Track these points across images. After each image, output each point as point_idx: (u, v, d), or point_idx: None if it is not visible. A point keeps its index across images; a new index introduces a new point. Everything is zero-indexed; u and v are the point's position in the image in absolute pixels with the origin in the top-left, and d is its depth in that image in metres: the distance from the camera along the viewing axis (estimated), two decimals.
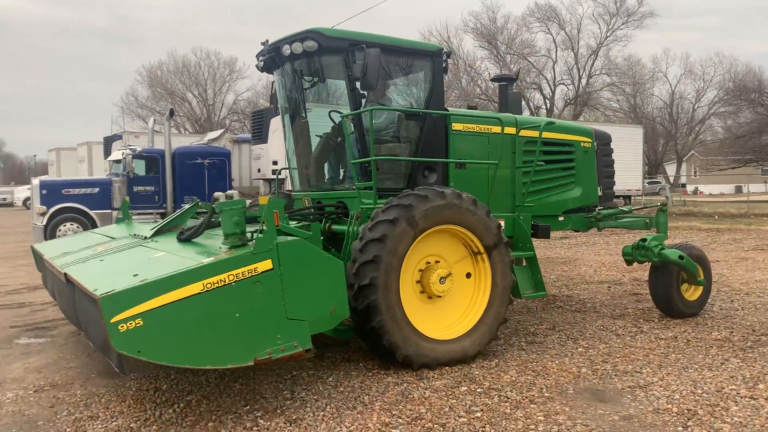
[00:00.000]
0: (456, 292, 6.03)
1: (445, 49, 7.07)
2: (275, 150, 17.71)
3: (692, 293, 7.73)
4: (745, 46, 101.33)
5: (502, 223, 6.74)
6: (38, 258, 7.32)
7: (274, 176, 7.85)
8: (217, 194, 5.26)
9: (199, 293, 4.17)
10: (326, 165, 7.37)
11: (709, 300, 8.75)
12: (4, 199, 59.28)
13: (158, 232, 6.32)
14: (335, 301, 4.85)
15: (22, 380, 5.65)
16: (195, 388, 5.27)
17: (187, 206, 6.85)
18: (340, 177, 7.17)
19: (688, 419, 4.51)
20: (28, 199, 41.15)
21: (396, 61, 6.96)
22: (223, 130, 24.87)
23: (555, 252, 15.33)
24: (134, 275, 4.36)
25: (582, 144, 8.27)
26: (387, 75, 7.01)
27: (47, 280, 7.14)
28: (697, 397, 4.95)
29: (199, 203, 6.92)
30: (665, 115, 61.61)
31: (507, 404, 4.83)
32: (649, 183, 51.01)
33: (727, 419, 4.51)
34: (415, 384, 5.30)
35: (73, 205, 15.95)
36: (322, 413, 4.67)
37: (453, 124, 6.95)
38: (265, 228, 4.51)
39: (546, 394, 5.05)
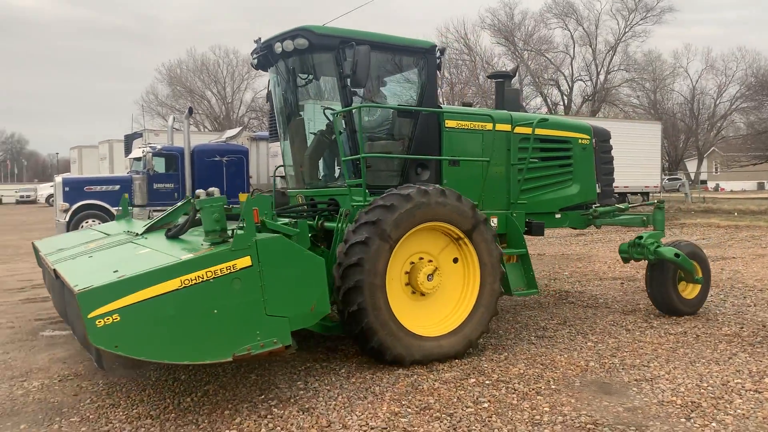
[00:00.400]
0: (447, 284, 6.04)
1: (438, 46, 7.09)
2: None
3: (690, 291, 7.68)
4: None
5: (494, 221, 6.88)
6: (38, 253, 7.41)
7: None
8: (198, 191, 5.36)
9: (177, 289, 4.21)
10: (320, 162, 7.41)
11: (722, 296, 8.80)
12: (28, 196, 60.29)
13: (150, 229, 6.35)
14: (315, 298, 4.86)
15: (47, 370, 5.87)
16: (212, 378, 5.45)
17: (180, 203, 6.90)
18: (333, 174, 7.21)
19: (692, 411, 4.60)
20: (51, 196, 41.87)
21: (389, 58, 6.98)
22: (241, 128, 25.12)
23: (570, 249, 15.35)
24: (114, 271, 4.43)
25: (580, 141, 8.25)
26: (379, 72, 7.04)
27: (45, 275, 7.24)
28: (702, 390, 5.03)
29: (192, 200, 6.98)
30: (686, 111, 60.91)
31: (514, 395, 4.95)
32: (669, 180, 50.56)
33: (730, 411, 4.59)
34: (425, 376, 5.44)
35: (95, 202, 16.29)
36: (334, 402, 4.83)
37: (446, 121, 6.96)
38: (244, 225, 4.58)
39: (553, 387, 5.16)
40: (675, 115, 59.76)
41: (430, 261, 5.95)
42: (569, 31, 51.16)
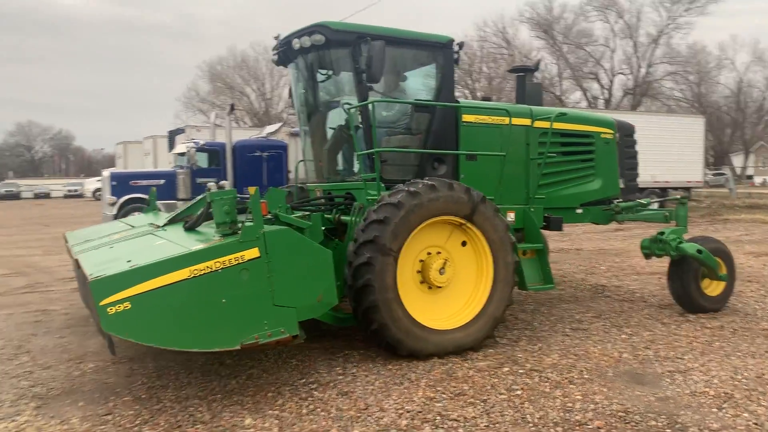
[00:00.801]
0: (460, 270, 6.05)
1: (456, 41, 7.04)
2: None
3: (714, 288, 7.55)
4: None
5: (511, 216, 6.97)
6: (67, 244, 7.59)
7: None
8: (210, 184, 5.54)
9: (186, 279, 4.34)
10: (338, 157, 7.47)
11: (762, 292, 8.71)
12: (75, 190, 62.15)
13: (171, 222, 6.48)
14: (322, 289, 4.95)
15: (100, 353, 6.19)
16: (255, 362, 5.70)
17: (198, 197, 7.03)
18: (350, 169, 7.26)
19: (724, 402, 4.66)
20: (97, 190, 43.18)
21: (406, 53, 7.01)
22: (280, 124, 25.50)
23: (609, 244, 15.26)
24: (128, 261, 4.59)
25: (602, 135, 8.16)
26: (397, 67, 7.09)
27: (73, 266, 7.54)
28: (736, 382, 5.07)
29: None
30: (732, 104, 59.36)
31: (547, 384, 5.07)
32: (713, 175, 49.37)
33: (763, 403, 4.63)
34: (459, 364, 5.60)
35: (140, 195, 16.82)
36: (371, 387, 5.03)
37: (463, 115, 6.96)
38: (251, 217, 4.72)
39: (585, 376, 5.26)
40: (720, 108, 58.33)
41: (439, 252, 5.97)
42: (610, 23, 50.38)
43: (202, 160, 17.36)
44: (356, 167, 7.02)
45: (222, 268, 4.46)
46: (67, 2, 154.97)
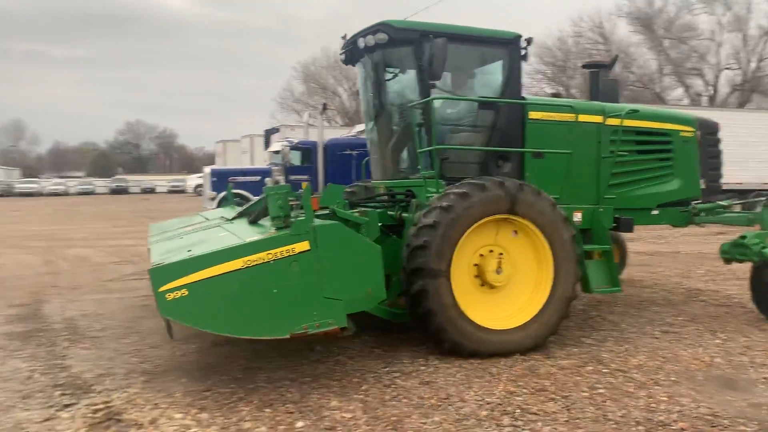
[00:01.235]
0: (519, 263, 5.97)
1: (524, 37, 6.93)
2: None
3: None
4: None
5: (577, 216, 6.83)
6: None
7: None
8: (267, 180, 5.70)
9: (240, 269, 4.54)
10: (402, 154, 7.48)
11: None
12: (178, 186, 65.69)
13: (241, 215, 6.69)
14: (372, 284, 5.01)
15: (202, 336, 6.60)
16: (342, 350, 5.96)
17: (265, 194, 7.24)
18: (413, 166, 7.15)
19: None
20: (198, 186, 45.46)
21: (471, 50, 6.96)
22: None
23: (709, 247, 14.55)
24: (188, 251, 4.90)
25: (681, 133, 7.82)
26: (462, 64, 7.04)
27: None
28: None
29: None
30: None
31: (631, 384, 5.02)
32: None
33: None
34: (542, 361, 5.62)
35: (238, 191, 17.69)
36: (452, 379, 5.15)
37: (530, 112, 6.85)
38: (302, 212, 4.88)
39: (673, 378, 5.15)
40: None
41: (491, 251, 5.90)
42: (716, 16, 47.61)
43: (296, 158, 18.03)
44: (413, 163, 7.02)
45: (274, 259, 4.63)
46: (175, 8, 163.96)
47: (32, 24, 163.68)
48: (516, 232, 5.99)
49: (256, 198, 7.20)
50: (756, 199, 7.77)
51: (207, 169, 18.85)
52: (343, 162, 17.97)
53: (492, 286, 5.88)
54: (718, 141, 8.55)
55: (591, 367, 5.45)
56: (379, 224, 6.24)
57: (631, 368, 5.42)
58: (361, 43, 6.82)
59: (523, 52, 6.96)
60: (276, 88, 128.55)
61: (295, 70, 71.21)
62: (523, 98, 7.03)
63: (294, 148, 17.96)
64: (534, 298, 5.96)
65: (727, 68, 48.57)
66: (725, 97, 48.18)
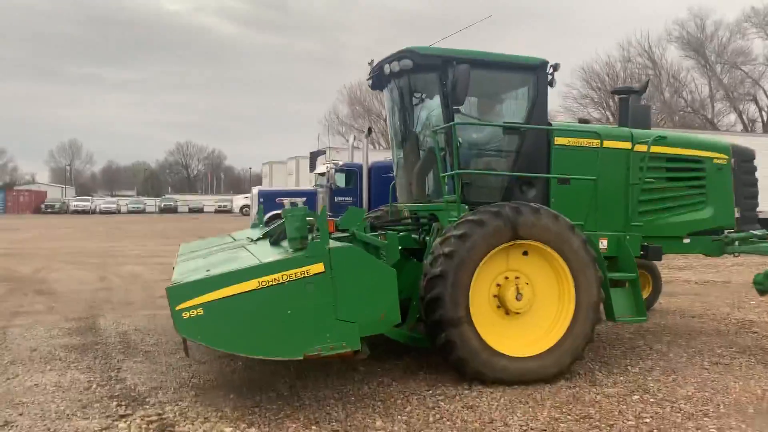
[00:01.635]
0: (537, 283, 5.93)
1: (550, 63, 6.94)
2: None
3: None
4: None
5: (603, 243, 6.77)
6: None
7: None
8: (285, 201, 5.76)
9: (255, 289, 4.59)
10: (427, 178, 7.41)
11: None
12: (225, 206, 67.07)
13: (265, 236, 6.71)
14: (386, 308, 5.00)
15: None
16: (386, 372, 6.03)
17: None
18: (436, 190, 7.15)
19: None
20: (245, 206, 46.36)
21: (497, 76, 7.02)
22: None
23: None
24: (207, 270, 4.96)
25: (714, 160, 7.69)
26: (487, 89, 7.07)
27: None
28: None
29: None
30: None
31: (679, 415, 4.95)
32: None
33: None
34: (587, 389, 5.58)
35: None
36: (496, 404, 5.17)
37: (556, 138, 6.84)
38: (318, 234, 4.94)
39: (722, 410, 5.06)
40: None
41: (506, 278, 5.88)
42: None
43: (341, 180, 18.28)
44: (441, 188, 6.95)
45: (288, 280, 4.67)
46: (224, 33, 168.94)
47: (88, 49, 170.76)
48: (526, 252, 5.95)
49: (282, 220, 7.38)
50: None
51: (255, 190, 19.30)
52: (386, 184, 18.03)
53: (516, 313, 5.86)
54: (754, 169, 8.35)
55: (637, 396, 5.39)
56: (400, 247, 6.36)
57: (678, 399, 5.34)
58: (386, 69, 6.94)
59: (549, 77, 6.97)
60: (322, 111, 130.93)
61: (341, 93, 72.38)
62: (549, 124, 7.03)
63: (339, 170, 18.23)
64: (559, 318, 5.91)
65: None
66: None
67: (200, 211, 70.99)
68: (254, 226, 8.95)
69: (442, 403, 5.16)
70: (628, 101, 8.13)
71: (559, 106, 52.75)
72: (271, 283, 4.64)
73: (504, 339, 5.79)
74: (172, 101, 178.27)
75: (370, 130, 19.57)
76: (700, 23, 47.76)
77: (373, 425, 4.69)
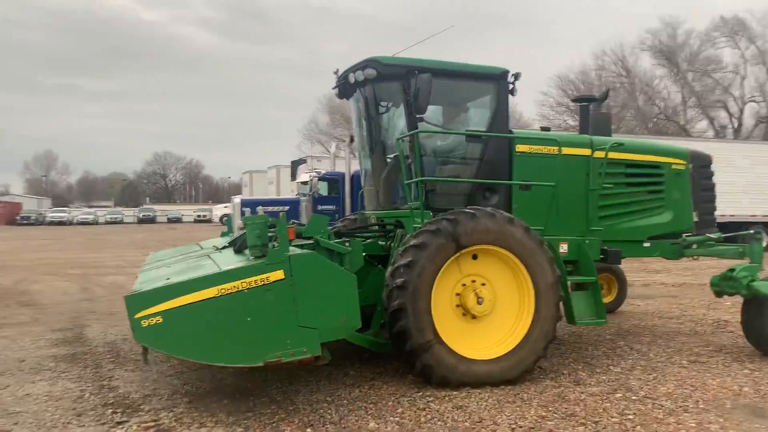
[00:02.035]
0: (500, 290, 6.03)
1: (511, 72, 7.06)
2: None
3: None
4: None
5: (564, 247, 6.93)
6: None
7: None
8: (246, 210, 5.80)
9: (214, 297, 4.63)
10: (392, 185, 7.46)
11: None
12: (204, 215, 66.63)
13: (231, 244, 6.66)
14: (346, 313, 5.05)
15: None
16: (376, 375, 6.16)
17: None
18: (401, 197, 7.22)
19: None
20: (224, 215, 46.09)
21: (459, 85, 7.13)
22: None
23: None
24: (167, 279, 4.99)
25: (673, 166, 7.89)
26: (450, 99, 7.22)
27: None
28: None
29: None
30: None
31: (660, 411, 5.14)
32: None
33: None
34: (571, 388, 5.76)
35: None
36: (485, 403, 5.32)
37: (517, 146, 6.97)
38: (278, 241, 5.00)
39: (701, 406, 5.26)
40: None
41: (464, 285, 5.96)
42: (740, 49, 47.71)
43: (323, 189, 18.38)
44: (405, 196, 6.99)
45: (248, 288, 4.71)
46: (202, 42, 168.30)
47: (64, 58, 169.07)
48: (476, 255, 6.01)
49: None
50: (746, 232, 7.61)
51: (237, 199, 19.30)
52: None
53: (482, 316, 5.96)
54: (711, 174, 8.55)
55: (620, 394, 5.57)
56: (366, 254, 6.47)
57: (659, 396, 5.53)
58: (351, 78, 7.01)
59: (510, 86, 7.09)
60: (301, 119, 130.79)
61: (320, 102, 72.36)
62: (511, 132, 7.15)
63: (322, 179, 18.34)
64: (522, 312, 6.01)
65: (751, 101, 48.50)
66: (751, 130, 47.95)
67: (179, 221, 70.40)
68: (224, 234, 8.94)
69: (433, 404, 5.29)
70: (588, 109, 8.30)
71: (536, 114, 53.50)
72: (230, 291, 4.69)
73: (475, 343, 5.92)
74: (150, 111, 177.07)
75: (352, 138, 19.57)
76: (672, 32, 48.85)
77: (366, 426, 4.81)
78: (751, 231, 7.50)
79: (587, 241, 7.14)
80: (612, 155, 7.32)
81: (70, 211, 70.72)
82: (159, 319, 4.54)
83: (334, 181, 18.39)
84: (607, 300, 9.72)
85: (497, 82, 7.06)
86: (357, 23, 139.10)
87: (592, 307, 6.72)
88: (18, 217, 64.11)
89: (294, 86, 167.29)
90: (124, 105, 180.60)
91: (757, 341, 7.02)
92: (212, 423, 4.89)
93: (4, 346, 7.71)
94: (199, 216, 68.60)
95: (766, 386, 5.84)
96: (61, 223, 62.73)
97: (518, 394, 5.58)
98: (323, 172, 18.77)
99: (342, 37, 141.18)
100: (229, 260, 5.59)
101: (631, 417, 4.99)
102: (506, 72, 7.07)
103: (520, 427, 4.78)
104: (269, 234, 5.50)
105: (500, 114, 7.07)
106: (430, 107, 6.60)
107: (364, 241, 7.07)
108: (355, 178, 18.18)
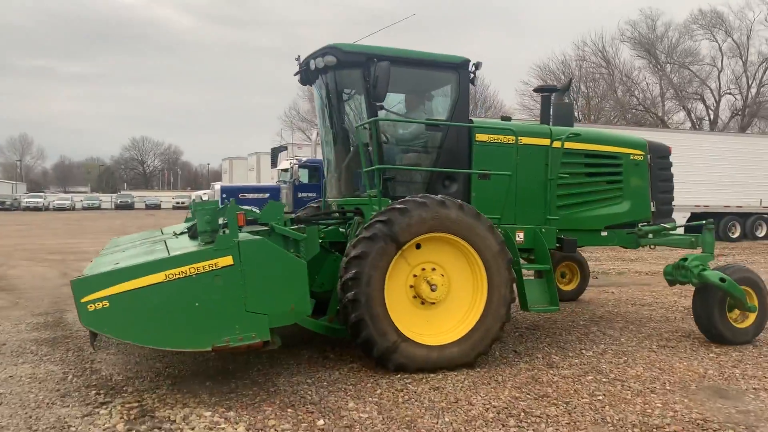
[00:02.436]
0: (454, 275, 6.10)
1: (472, 61, 7.09)
2: None
3: (742, 320, 7.12)
4: None
5: (520, 236, 6.99)
6: None
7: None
8: (194, 195, 5.87)
9: (161, 282, 4.67)
10: (353, 173, 7.48)
11: None
12: (183, 202, 66.11)
13: (189, 230, 6.64)
14: (296, 299, 5.11)
15: None
16: (356, 358, 6.29)
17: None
18: (361, 184, 7.23)
19: None
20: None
21: (419, 73, 7.15)
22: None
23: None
24: (115, 264, 5.03)
25: (632, 156, 8.04)
26: (410, 87, 7.30)
27: None
28: None
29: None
30: None
31: (629, 392, 5.36)
32: None
33: None
34: (544, 371, 5.96)
35: (247, 207, 18.06)
36: (460, 385, 5.49)
37: (477, 135, 7.04)
38: (227, 227, 5.03)
39: (668, 388, 5.49)
40: None
41: (415, 276, 6.01)
42: (717, 42, 48.38)
43: (304, 176, 18.46)
44: (364, 183, 7.04)
45: (196, 273, 4.75)
46: (182, 26, 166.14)
47: (39, 41, 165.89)
48: (419, 245, 6.02)
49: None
50: (699, 222, 7.82)
51: (217, 186, 19.32)
52: None
53: (424, 301, 6.02)
54: (669, 164, 8.67)
55: (591, 377, 5.78)
56: (328, 240, 6.56)
57: (628, 378, 5.75)
58: (312, 65, 7.02)
59: (471, 76, 7.14)
60: (282, 106, 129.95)
61: (301, 88, 71.89)
62: (471, 121, 7.19)
63: (302, 166, 18.42)
64: (476, 292, 6.09)
65: (728, 93, 49.25)
66: (726, 122, 48.74)
67: (158, 207, 69.90)
68: (188, 220, 8.96)
69: (410, 386, 5.45)
70: (550, 99, 8.38)
71: (517, 103, 53.80)
72: (178, 276, 4.73)
73: (442, 327, 6.03)
74: (127, 95, 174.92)
75: None
76: (651, 24, 49.30)
77: (346, 407, 4.95)
78: (704, 222, 7.64)
79: (543, 230, 7.20)
80: (569, 145, 7.44)
81: (45, 197, 69.72)
82: (105, 303, 4.58)
83: (314, 168, 18.48)
84: (569, 287, 10.04)
85: (458, 71, 7.08)
86: (341, 11, 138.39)
87: (545, 294, 6.79)
88: None
89: (275, 72, 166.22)
90: (101, 89, 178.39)
91: (706, 328, 7.19)
92: (195, 404, 5.00)
93: None
94: (178, 202, 68.10)
95: (730, 369, 6.09)
96: (36, 209, 61.84)
97: (493, 376, 5.76)
98: (304, 159, 18.83)
99: (325, 23, 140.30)
100: (183, 246, 5.62)
101: (600, 398, 5.20)
102: (467, 61, 7.11)
103: (494, 407, 4.96)
104: (221, 221, 5.55)
105: (461, 103, 7.09)
106: (392, 95, 6.64)
107: (325, 228, 7.16)
108: None
